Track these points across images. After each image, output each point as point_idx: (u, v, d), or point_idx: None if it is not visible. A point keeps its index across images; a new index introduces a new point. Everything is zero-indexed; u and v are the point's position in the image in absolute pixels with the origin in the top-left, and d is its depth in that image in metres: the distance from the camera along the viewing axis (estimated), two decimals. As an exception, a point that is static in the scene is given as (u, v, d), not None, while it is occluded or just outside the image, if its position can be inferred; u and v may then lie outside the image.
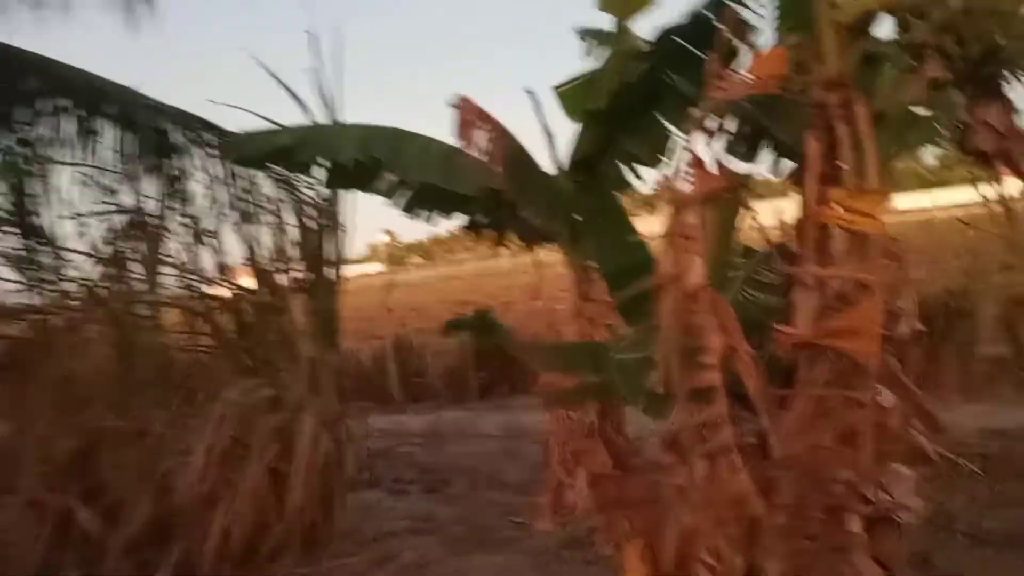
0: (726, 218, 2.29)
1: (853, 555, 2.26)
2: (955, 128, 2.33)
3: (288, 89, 4.54)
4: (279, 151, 3.44)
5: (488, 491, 5.25)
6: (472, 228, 2.99)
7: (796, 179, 2.37)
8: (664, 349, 2.28)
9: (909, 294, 2.41)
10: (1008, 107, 2.04)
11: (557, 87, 2.79)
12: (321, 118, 4.34)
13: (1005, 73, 2.05)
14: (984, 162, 2.10)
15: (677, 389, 2.27)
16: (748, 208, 2.34)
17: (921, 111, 2.53)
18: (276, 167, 4.26)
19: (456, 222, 3.02)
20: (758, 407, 2.22)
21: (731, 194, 2.26)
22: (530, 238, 2.96)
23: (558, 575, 3.70)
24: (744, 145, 2.60)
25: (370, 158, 2.97)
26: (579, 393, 2.79)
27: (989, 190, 4.57)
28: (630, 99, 2.61)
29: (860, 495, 2.29)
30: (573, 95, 2.77)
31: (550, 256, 3.00)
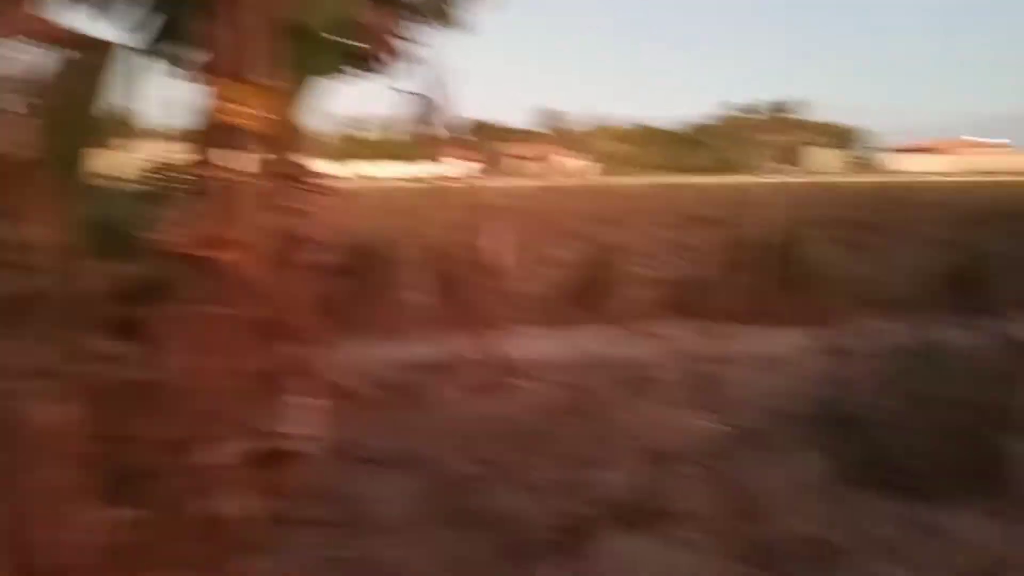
0: (83, 92, 1.86)
1: (237, 489, 2.08)
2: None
3: None
4: None
5: None
6: None
7: (199, 71, 2.09)
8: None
9: (321, 224, 2.32)
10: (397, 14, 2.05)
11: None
12: None
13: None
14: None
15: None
16: (112, 83, 1.93)
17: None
18: None
19: None
20: (120, 328, 1.88)
21: (91, 64, 1.85)
22: None
23: None
24: (146, 27, 2.20)
25: None
26: None
27: (443, 164, 5.08)
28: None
29: (249, 426, 2.12)
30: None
31: None
